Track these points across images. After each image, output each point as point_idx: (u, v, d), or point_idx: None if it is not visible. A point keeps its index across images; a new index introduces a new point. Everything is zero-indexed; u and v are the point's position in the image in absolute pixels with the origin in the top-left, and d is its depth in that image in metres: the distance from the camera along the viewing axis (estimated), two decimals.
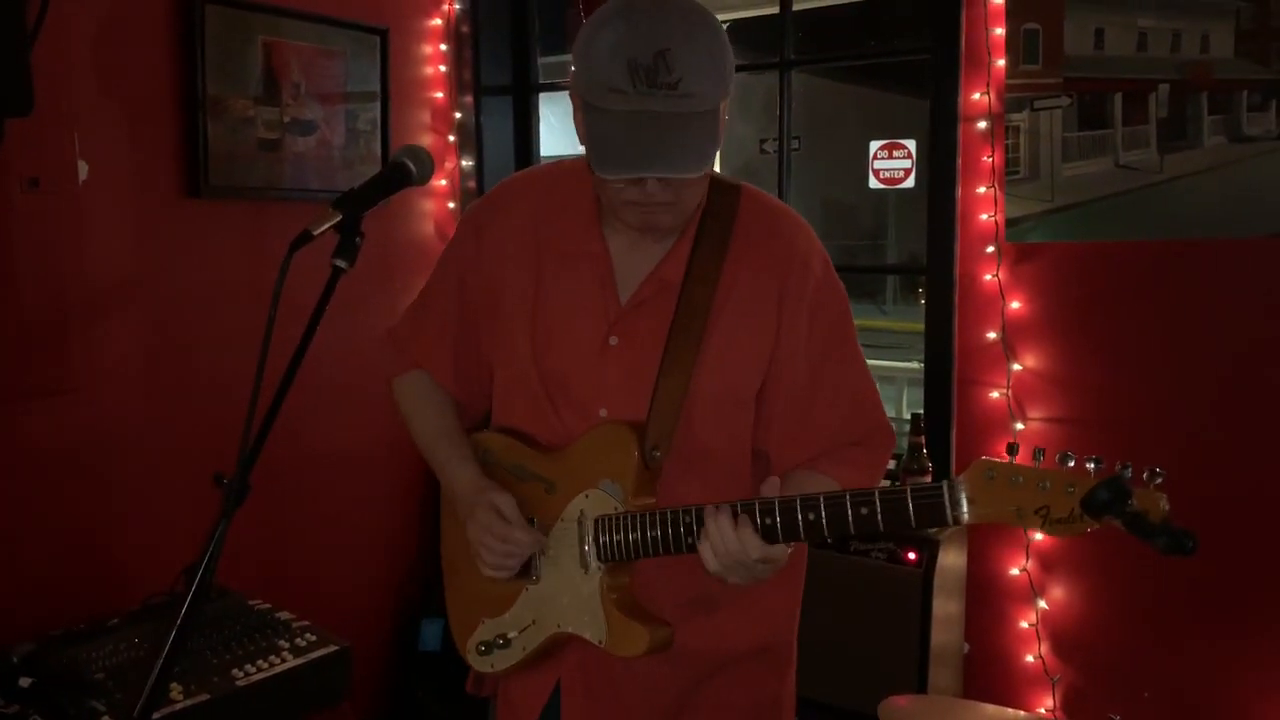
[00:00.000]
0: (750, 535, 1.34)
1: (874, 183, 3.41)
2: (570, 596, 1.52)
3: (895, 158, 3.35)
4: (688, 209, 1.49)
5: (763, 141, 3.65)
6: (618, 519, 1.46)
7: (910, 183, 3.39)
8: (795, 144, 3.43)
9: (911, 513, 1.26)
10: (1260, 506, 2.57)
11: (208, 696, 2.27)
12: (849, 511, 1.30)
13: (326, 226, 1.40)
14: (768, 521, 1.35)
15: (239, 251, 3.07)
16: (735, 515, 1.35)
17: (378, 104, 3.42)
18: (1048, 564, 2.87)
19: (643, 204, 1.41)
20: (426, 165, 1.54)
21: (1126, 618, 2.76)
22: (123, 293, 2.84)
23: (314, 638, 2.57)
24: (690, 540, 1.40)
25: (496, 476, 1.60)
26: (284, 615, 2.67)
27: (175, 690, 2.27)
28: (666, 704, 1.58)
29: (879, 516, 1.28)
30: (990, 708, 1.86)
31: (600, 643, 1.49)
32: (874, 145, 3.38)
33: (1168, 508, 1.11)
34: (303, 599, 2.82)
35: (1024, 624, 2.89)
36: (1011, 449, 1.23)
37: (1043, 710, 2.85)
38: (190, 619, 1.31)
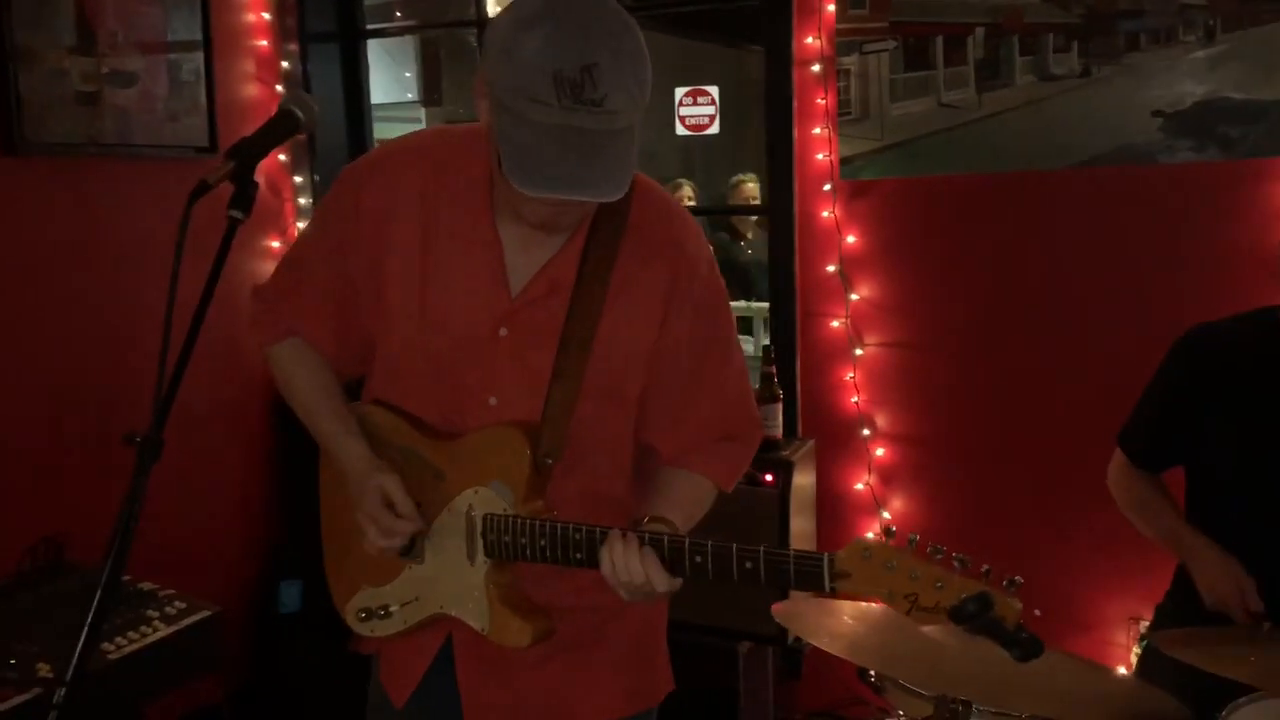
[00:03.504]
0: (656, 567, 1.39)
1: (680, 129, 3.50)
2: (455, 584, 1.55)
3: (699, 104, 3.45)
4: (588, 209, 1.48)
5: None
6: (506, 521, 1.49)
7: (715, 129, 3.48)
8: None
9: (792, 575, 1.35)
10: (1072, 412, 2.86)
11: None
12: (734, 563, 1.37)
13: (222, 176, 1.38)
14: (663, 555, 1.40)
15: (61, 210, 2.89)
16: (641, 547, 1.39)
17: (200, 53, 3.27)
18: (887, 478, 3.10)
19: (549, 203, 1.38)
20: (312, 112, 1.52)
21: (960, 521, 3.02)
22: None
23: (183, 605, 2.51)
24: (579, 556, 1.44)
25: (384, 455, 1.59)
26: (146, 585, 2.60)
27: (43, 669, 2.18)
28: (559, 648, 1.62)
29: (762, 572, 1.35)
30: (851, 604, 2.02)
31: (483, 631, 1.52)
32: (679, 92, 3.46)
33: (1020, 609, 1.24)
34: (160, 568, 2.73)
35: (869, 534, 3.11)
36: (889, 532, 1.33)
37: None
38: (116, 577, 1.29)
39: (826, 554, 1.31)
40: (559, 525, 1.46)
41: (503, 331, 1.53)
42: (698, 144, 5.12)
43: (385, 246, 1.56)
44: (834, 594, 1.33)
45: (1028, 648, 1.23)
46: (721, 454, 1.65)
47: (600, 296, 1.51)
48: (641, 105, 1.34)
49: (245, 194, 1.41)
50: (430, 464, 1.57)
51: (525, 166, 1.30)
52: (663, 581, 1.39)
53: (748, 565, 1.35)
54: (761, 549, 1.36)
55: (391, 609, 1.61)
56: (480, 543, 1.52)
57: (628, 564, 1.39)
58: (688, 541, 1.40)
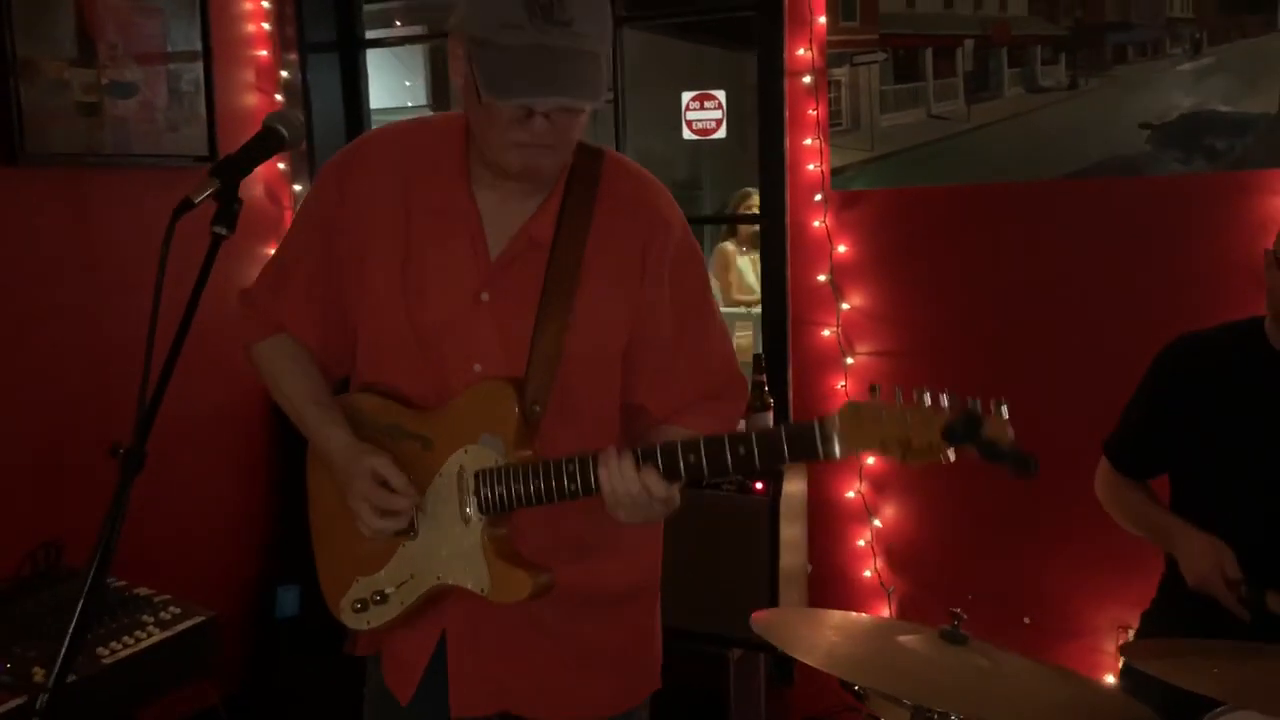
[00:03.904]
0: (652, 474, 1.42)
1: (687, 134, 3.51)
2: (450, 549, 1.56)
3: (706, 109, 3.46)
4: (566, 155, 1.53)
5: None
6: (499, 471, 1.51)
7: (722, 133, 3.49)
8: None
9: (786, 449, 1.36)
10: (1061, 421, 2.86)
11: (74, 677, 2.21)
12: (728, 453, 1.39)
13: (207, 194, 1.42)
14: (658, 464, 1.43)
15: (61, 220, 2.94)
16: (638, 462, 1.43)
17: (200, 64, 3.31)
18: (879, 486, 3.12)
19: (527, 145, 1.44)
20: (297, 129, 1.56)
21: (949, 531, 3.04)
22: None
23: (178, 610, 2.53)
24: (573, 488, 1.47)
25: (370, 438, 1.61)
26: (142, 591, 2.62)
27: (38, 673, 2.21)
28: (549, 648, 1.65)
29: (756, 454, 1.38)
30: (839, 613, 2.04)
31: (483, 591, 1.54)
32: (686, 96, 3.48)
33: (1012, 432, 1.26)
34: (155, 573, 2.77)
35: (860, 542, 3.14)
36: (874, 390, 1.33)
37: (885, 614, 3.11)
38: (99, 587, 1.31)
39: (816, 419, 1.34)
40: (551, 462, 1.49)
41: (484, 296, 1.56)
42: (705, 148, 5.11)
43: (369, 230, 1.61)
44: (830, 459, 1.33)
45: (1020, 462, 1.24)
46: (711, 412, 1.68)
47: (578, 255, 1.56)
48: (606, 34, 1.43)
49: (229, 211, 1.45)
50: (417, 435, 1.59)
51: (501, 79, 1.37)
52: (659, 487, 1.43)
53: (741, 451, 1.38)
54: (753, 432, 1.38)
55: (387, 592, 1.62)
56: (473, 500, 1.54)
57: (623, 473, 1.43)
58: (680, 442, 1.43)
